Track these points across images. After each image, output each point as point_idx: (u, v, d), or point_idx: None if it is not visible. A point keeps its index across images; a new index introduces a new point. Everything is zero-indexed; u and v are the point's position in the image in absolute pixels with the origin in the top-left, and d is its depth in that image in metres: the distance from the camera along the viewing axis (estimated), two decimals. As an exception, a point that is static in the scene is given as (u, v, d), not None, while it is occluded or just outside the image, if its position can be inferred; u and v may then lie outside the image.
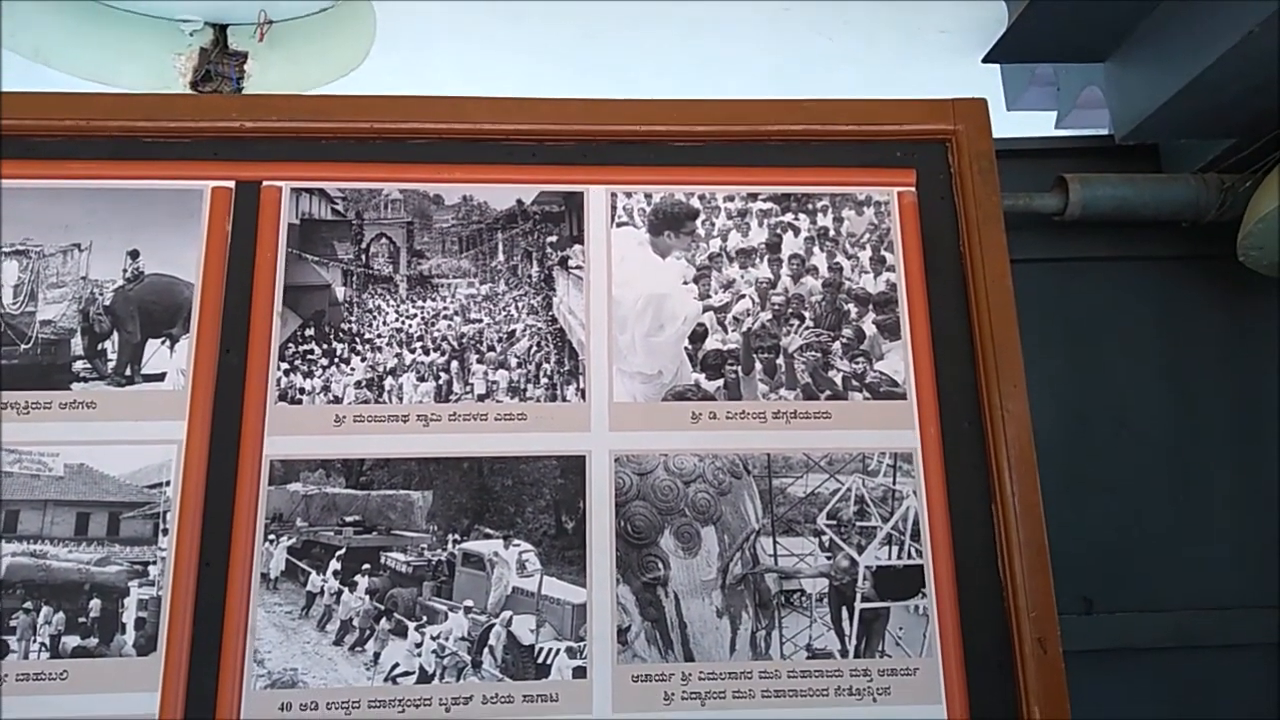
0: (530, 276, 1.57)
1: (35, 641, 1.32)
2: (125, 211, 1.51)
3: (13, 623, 1.32)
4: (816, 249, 1.60)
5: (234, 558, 1.37)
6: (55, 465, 1.39)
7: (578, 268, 1.56)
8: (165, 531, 1.37)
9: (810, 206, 1.62)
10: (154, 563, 1.36)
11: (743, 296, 1.57)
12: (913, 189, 1.62)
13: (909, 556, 1.46)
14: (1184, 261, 2.05)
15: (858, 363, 1.55)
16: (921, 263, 1.58)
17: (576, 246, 1.57)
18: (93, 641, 1.33)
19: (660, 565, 1.44)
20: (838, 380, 1.54)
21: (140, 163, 1.53)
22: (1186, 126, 1.86)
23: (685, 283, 1.57)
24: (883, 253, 1.60)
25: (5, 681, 1.30)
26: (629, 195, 1.60)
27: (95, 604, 1.34)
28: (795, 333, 1.56)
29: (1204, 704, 1.84)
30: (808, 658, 1.41)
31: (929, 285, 1.58)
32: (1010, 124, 2.10)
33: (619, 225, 1.59)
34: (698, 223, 1.60)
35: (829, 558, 1.46)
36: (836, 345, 1.56)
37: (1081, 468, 1.93)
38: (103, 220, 1.50)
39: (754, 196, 1.62)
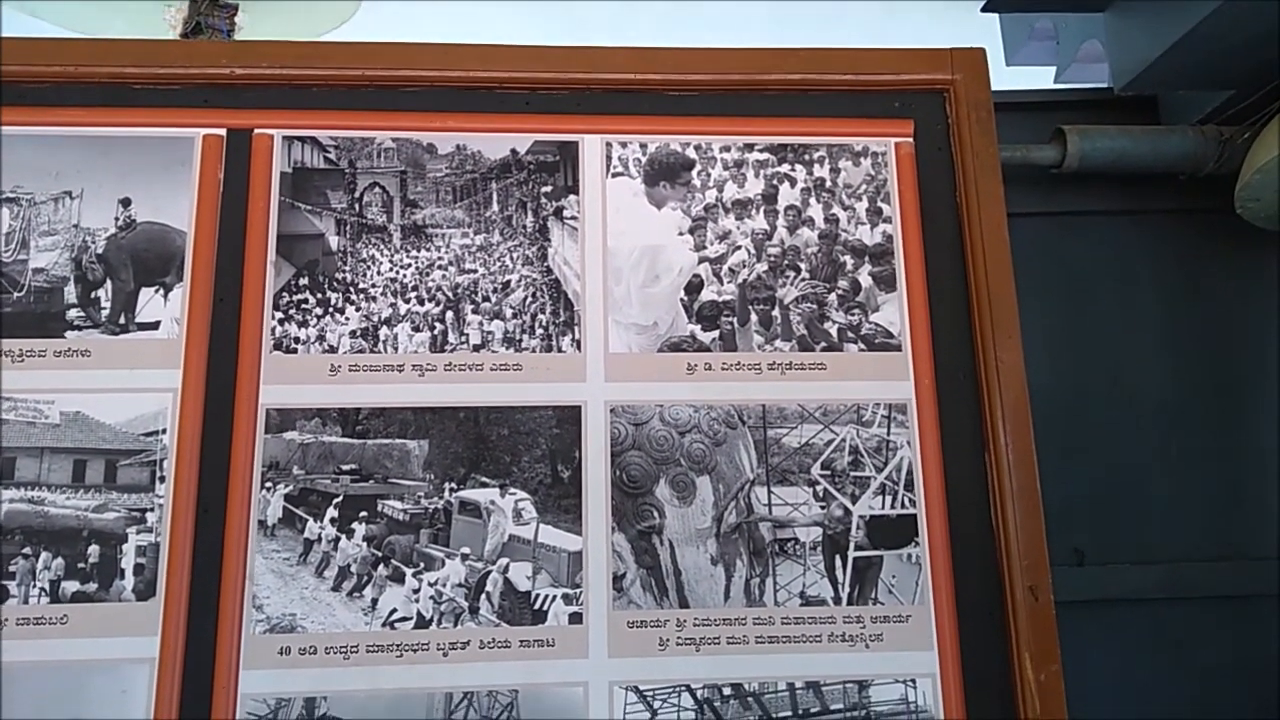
0: (525, 227, 1.56)
1: (35, 586, 1.33)
2: (116, 159, 1.49)
3: (12, 568, 1.33)
4: (813, 200, 1.59)
5: (231, 505, 1.37)
6: (51, 413, 1.39)
7: (573, 218, 1.56)
8: (162, 479, 1.37)
9: (807, 157, 1.61)
10: (151, 510, 1.37)
11: (739, 248, 1.57)
12: (910, 140, 1.61)
13: (902, 506, 1.47)
14: (1181, 215, 2.04)
15: (853, 314, 1.55)
16: (918, 214, 1.58)
17: (571, 197, 1.57)
18: (92, 586, 1.34)
19: (655, 514, 1.44)
20: (833, 332, 1.54)
21: (130, 109, 1.51)
22: (1185, 78, 1.85)
23: (681, 234, 1.57)
24: (879, 204, 1.59)
25: (6, 625, 1.31)
26: (624, 145, 1.59)
27: (94, 550, 1.35)
28: (791, 284, 1.56)
29: (1194, 654, 1.86)
30: (801, 605, 1.42)
31: (925, 237, 1.57)
32: (1009, 79, 2.09)
33: (614, 175, 1.58)
34: (694, 173, 1.59)
35: (823, 507, 1.47)
36: (832, 297, 1.56)
37: (1075, 421, 1.94)
38: (94, 168, 1.49)
39: (750, 147, 1.61)
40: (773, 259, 1.57)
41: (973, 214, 1.56)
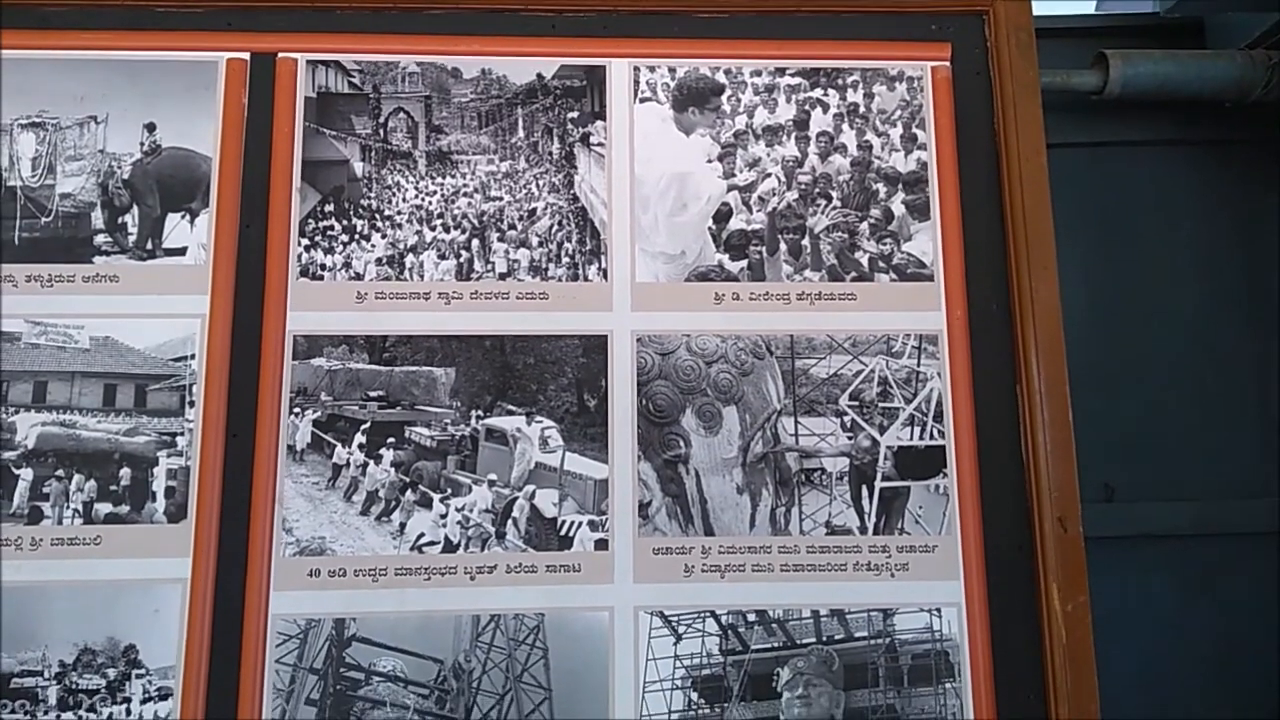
0: (551, 153, 1.54)
1: (69, 508, 1.35)
2: (140, 83, 1.48)
3: (45, 490, 1.35)
4: (846, 126, 1.56)
5: (260, 430, 1.38)
6: (81, 338, 1.40)
7: (599, 145, 1.53)
8: (192, 404, 1.38)
9: (840, 82, 1.57)
10: (181, 434, 1.38)
11: (768, 175, 1.54)
12: (947, 64, 1.57)
13: (931, 437, 1.46)
14: (1224, 146, 1.98)
15: (885, 243, 1.52)
16: (954, 140, 1.54)
17: (598, 123, 1.54)
18: (124, 509, 1.36)
19: (681, 443, 1.44)
20: (864, 261, 1.51)
21: (153, 33, 1.50)
22: (1234, -2, 1.78)
23: (709, 161, 1.54)
24: (914, 130, 1.55)
25: (41, 546, 1.33)
26: (652, 69, 1.55)
27: (125, 473, 1.36)
28: (822, 213, 1.53)
29: (1223, 590, 1.85)
30: (827, 534, 1.42)
31: (961, 164, 1.53)
32: (1049, 5, 2.02)
33: (642, 101, 1.54)
34: (723, 98, 1.55)
35: (850, 437, 1.46)
36: (864, 225, 1.53)
37: (1110, 356, 1.91)
38: (118, 92, 1.48)
39: (782, 71, 1.57)
40: (803, 187, 1.53)
41: (1010, 140, 1.52)
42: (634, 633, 1.36)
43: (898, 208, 1.53)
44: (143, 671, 1.31)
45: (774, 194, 1.53)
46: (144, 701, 1.30)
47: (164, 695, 1.30)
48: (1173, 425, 1.91)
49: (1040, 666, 1.37)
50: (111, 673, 1.31)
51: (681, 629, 1.38)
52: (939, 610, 1.39)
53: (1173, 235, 1.98)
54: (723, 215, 1.52)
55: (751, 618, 1.39)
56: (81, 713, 1.30)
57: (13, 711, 1.29)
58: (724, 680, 1.37)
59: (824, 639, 1.39)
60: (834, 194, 1.53)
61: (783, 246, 1.51)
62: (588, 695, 1.34)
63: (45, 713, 1.30)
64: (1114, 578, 1.81)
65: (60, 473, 1.36)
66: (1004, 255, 1.51)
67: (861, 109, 1.56)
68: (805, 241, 1.52)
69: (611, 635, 1.35)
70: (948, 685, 1.37)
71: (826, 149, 1.55)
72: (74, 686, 1.30)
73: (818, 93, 1.56)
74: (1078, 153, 1.96)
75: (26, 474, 1.35)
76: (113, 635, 1.31)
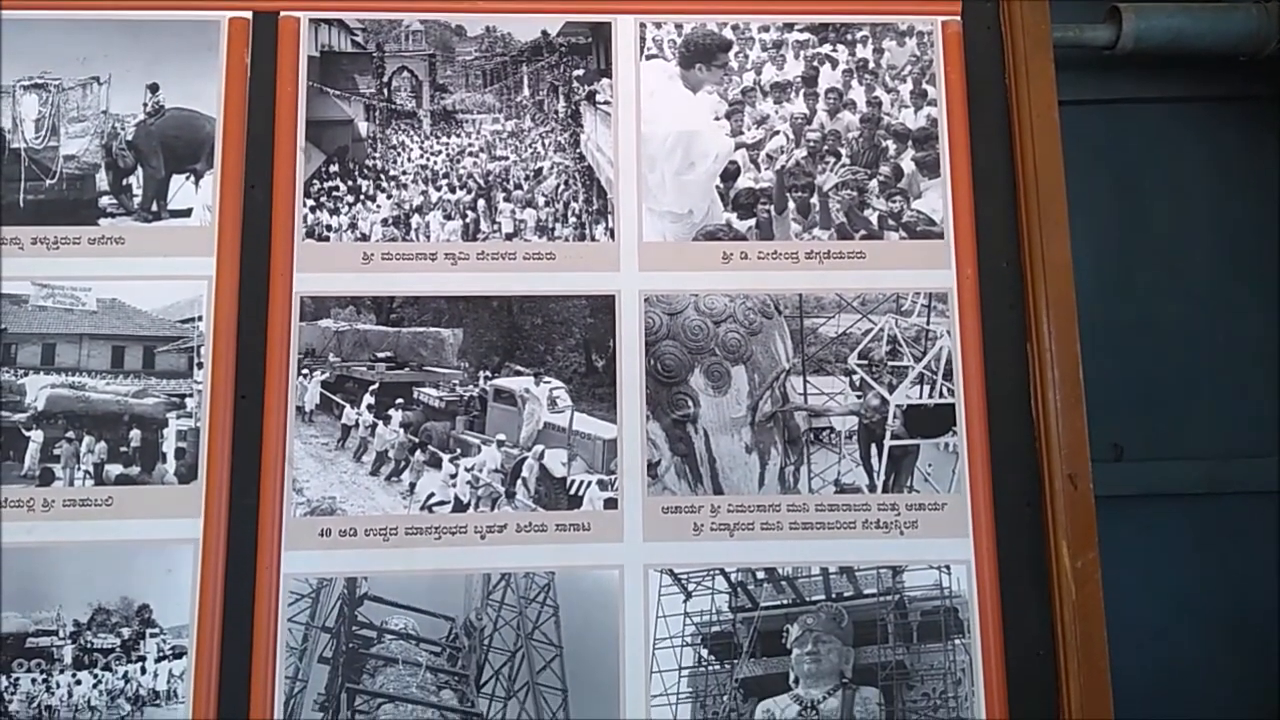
0: (557, 112, 1.52)
1: (80, 469, 1.35)
2: (142, 44, 1.47)
3: (56, 451, 1.36)
4: (855, 82, 1.54)
5: (269, 391, 1.38)
6: (88, 300, 1.40)
7: (605, 103, 1.52)
8: (200, 365, 1.38)
9: (849, 37, 1.55)
10: (190, 395, 1.38)
11: (777, 133, 1.52)
12: (958, 18, 1.54)
13: (940, 395, 1.45)
14: (1238, 103, 1.95)
15: (894, 201, 1.51)
16: (965, 96, 1.52)
17: (604, 80, 1.52)
18: (135, 470, 1.36)
19: (690, 403, 1.44)
20: (873, 219, 1.50)
21: (155, -8, 1.48)
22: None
23: (717, 118, 1.52)
24: (924, 86, 1.53)
25: (54, 507, 1.34)
26: (659, 26, 1.53)
27: (135, 434, 1.37)
28: (831, 170, 1.52)
29: (1233, 549, 1.85)
30: (836, 492, 1.42)
31: (971, 120, 1.52)
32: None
33: (648, 58, 1.53)
34: (731, 55, 1.53)
35: (859, 396, 1.45)
36: (873, 183, 1.51)
37: (1120, 315, 1.90)
38: (120, 53, 1.46)
39: (790, 27, 1.55)
40: (812, 144, 1.52)
41: (1022, 96, 1.50)
42: (644, 590, 1.36)
43: (907, 165, 1.51)
44: (157, 631, 1.32)
45: (782, 151, 1.52)
46: (159, 660, 1.31)
47: (178, 654, 1.31)
48: (1182, 384, 1.90)
49: (1050, 623, 1.37)
50: (126, 632, 1.32)
51: (691, 586, 1.38)
52: (948, 567, 1.39)
53: (1185, 193, 1.95)
54: (730, 173, 1.50)
55: (761, 575, 1.39)
56: (97, 671, 1.31)
57: (29, 670, 1.31)
58: (733, 637, 1.38)
59: (833, 596, 1.39)
60: (843, 151, 1.52)
61: (791, 205, 1.50)
62: (598, 652, 1.34)
63: (61, 671, 1.31)
64: (1123, 537, 1.80)
65: (70, 435, 1.36)
66: (1015, 212, 1.49)
67: (871, 65, 1.54)
68: (814, 199, 1.50)
69: (621, 593, 1.36)
70: (957, 641, 1.38)
71: (835, 106, 1.53)
72: (89, 645, 1.31)
73: (826, 48, 1.54)
74: (1090, 110, 1.93)
75: (37, 436, 1.36)
76: (126, 595, 1.32)
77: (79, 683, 1.31)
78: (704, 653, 1.37)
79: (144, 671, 1.31)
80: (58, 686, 1.31)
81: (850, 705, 1.36)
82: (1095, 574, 1.37)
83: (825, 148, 1.52)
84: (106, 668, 1.31)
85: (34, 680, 1.31)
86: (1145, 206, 1.95)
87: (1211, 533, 1.85)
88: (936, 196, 1.50)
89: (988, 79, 1.53)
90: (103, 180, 1.44)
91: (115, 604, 1.32)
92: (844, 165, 1.52)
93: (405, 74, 1.52)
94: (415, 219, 1.47)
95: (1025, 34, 1.51)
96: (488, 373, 1.44)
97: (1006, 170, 1.51)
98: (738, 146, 1.51)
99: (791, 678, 1.37)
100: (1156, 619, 1.82)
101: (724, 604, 1.38)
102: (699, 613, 1.38)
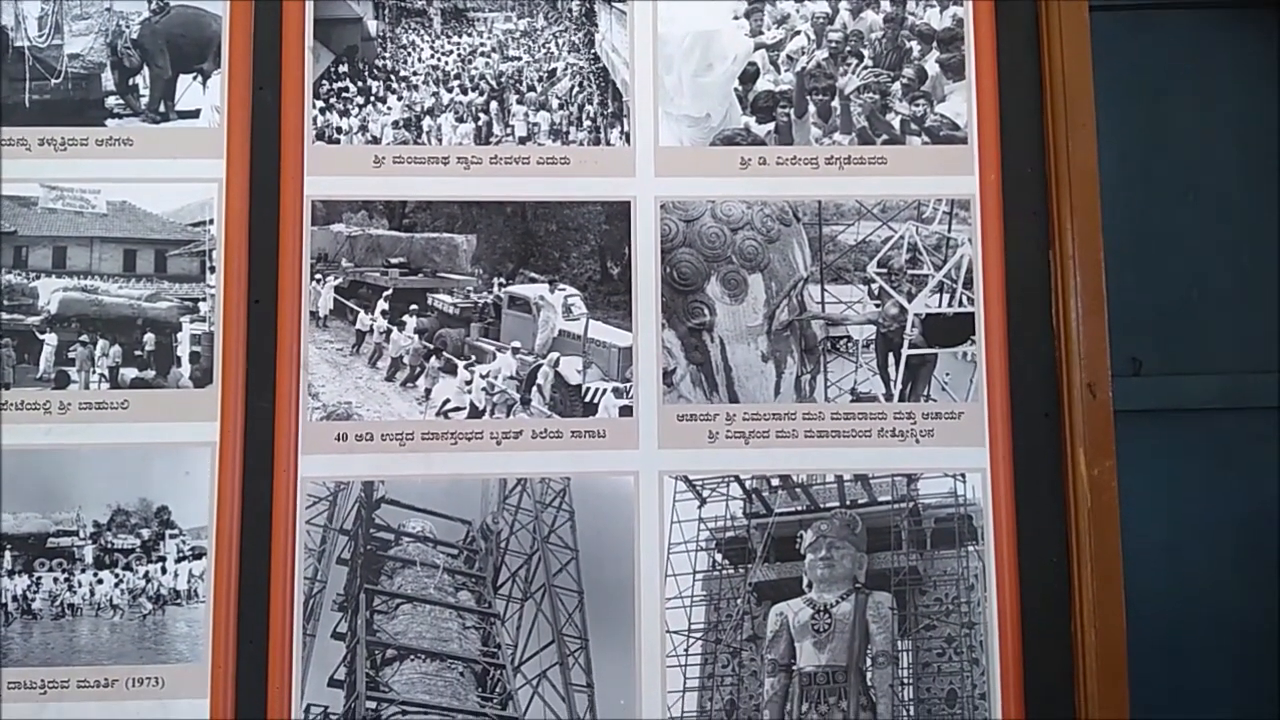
0: (571, 11, 1.48)
1: (95, 373, 1.35)
2: (144, -63, 1.42)
3: (71, 355, 1.35)
4: (878, -20, 1.49)
5: (282, 295, 1.37)
6: (98, 203, 1.38)
7: (621, 1, 1.47)
8: (212, 269, 1.37)
9: (874, -68, 1.49)
10: (204, 299, 1.37)
11: (797, 33, 1.48)
12: (987, -88, 1.49)
13: (960, 304, 1.43)
14: (1268, 8, 1.89)
15: (918, 105, 1.47)
16: (992, -5, 1.47)
17: (620, -22, 1.47)
18: (150, 374, 1.36)
19: (706, 311, 1.42)
20: (895, 124, 1.46)
21: (155, -118, 1.43)
22: None
23: (736, 18, 1.47)
24: (950, -16, 1.48)
25: (70, 410, 1.34)
26: (677, -80, 1.48)
27: (149, 338, 1.36)
28: (853, 72, 1.47)
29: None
30: (852, 401, 1.41)
31: (998, 20, 1.47)
32: None
33: (666, -46, 1.48)
34: (751, -49, 1.48)
35: (877, 305, 1.44)
36: (896, 86, 1.47)
37: (1144, 225, 1.86)
38: (121, -53, 1.42)
39: (813, -79, 1.49)
40: (833, 45, 1.47)
41: (1051, -5, 1.45)
42: (659, 496, 1.37)
43: (931, 67, 1.47)
44: (176, 532, 1.33)
45: (803, 53, 1.47)
46: (179, 560, 1.33)
47: (198, 554, 1.33)
48: (1202, 298, 1.87)
49: (1064, 530, 1.38)
50: (145, 533, 1.33)
51: (705, 493, 1.38)
52: (963, 475, 1.39)
53: (1211, 99, 1.90)
54: (749, 75, 1.46)
55: (775, 482, 1.40)
56: (118, 570, 1.33)
57: (50, 570, 1.32)
58: (748, 542, 1.39)
59: (847, 503, 1.39)
60: (865, 52, 1.48)
61: (811, 108, 1.46)
62: (614, 555, 1.35)
63: (83, 571, 1.33)
64: (1141, 451, 1.80)
65: (84, 338, 1.36)
66: (1040, 117, 1.45)
67: (896, -38, 1.49)
68: (835, 103, 1.47)
69: (637, 498, 1.36)
70: (970, 548, 1.38)
71: (858, 5, 1.48)
72: (109, 545, 1.33)
73: (850, -56, 1.49)
74: (1116, 16, 1.87)
75: (51, 339, 1.35)
76: (145, 497, 1.33)
77: (100, 582, 1.33)
78: (718, 557, 1.38)
79: (164, 571, 1.33)
80: (79, 585, 1.33)
81: (863, 609, 1.37)
82: (1111, 482, 1.36)
83: (847, 49, 1.48)
84: (127, 567, 1.33)
85: (56, 579, 1.32)
86: (1170, 113, 1.90)
87: (1229, 447, 1.84)
88: (960, 100, 1.46)
89: (1016, -24, 1.48)
90: (108, 80, 1.41)
91: (134, 505, 1.33)
92: (866, 67, 1.47)
93: (415, -30, 1.47)
94: (427, 121, 1.44)
95: (1057, -71, 1.46)
96: (502, 279, 1.43)
97: (1033, 73, 1.46)
98: (757, 47, 1.47)
99: (805, 582, 1.38)
100: (1173, 530, 1.82)
101: (738, 510, 1.39)
102: (714, 518, 1.38)
